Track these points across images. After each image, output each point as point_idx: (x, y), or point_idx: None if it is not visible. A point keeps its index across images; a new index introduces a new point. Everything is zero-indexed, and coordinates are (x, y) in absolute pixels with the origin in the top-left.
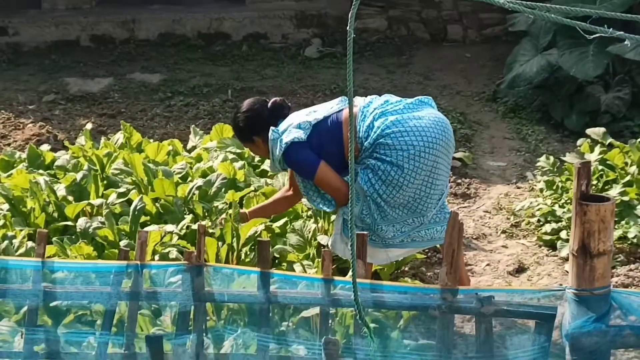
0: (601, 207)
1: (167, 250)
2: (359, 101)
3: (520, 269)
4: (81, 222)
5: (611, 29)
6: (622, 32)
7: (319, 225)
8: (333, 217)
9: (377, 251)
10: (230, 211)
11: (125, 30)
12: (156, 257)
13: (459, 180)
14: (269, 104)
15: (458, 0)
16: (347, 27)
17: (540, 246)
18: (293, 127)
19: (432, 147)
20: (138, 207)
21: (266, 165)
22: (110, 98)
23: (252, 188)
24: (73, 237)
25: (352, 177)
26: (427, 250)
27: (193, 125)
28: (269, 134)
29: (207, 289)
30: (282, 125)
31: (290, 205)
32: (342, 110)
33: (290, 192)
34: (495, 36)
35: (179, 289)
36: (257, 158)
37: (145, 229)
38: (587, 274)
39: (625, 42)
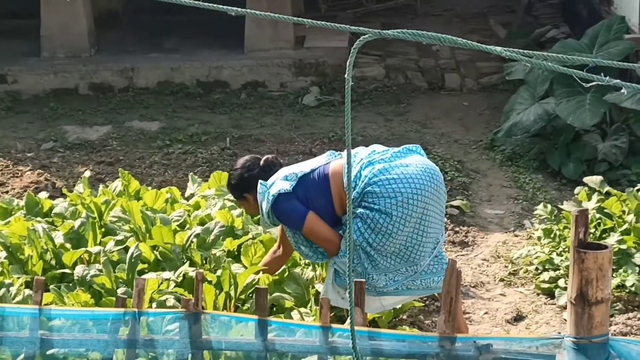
0: (599, 255)
1: (164, 297)
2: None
3: (518, 317)
4: (79, 270)
5: (608, 77)
6: (619, 81)
7: (317, 273)
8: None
9: (370, 299)
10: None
11: (124, 79)
12: (154, 305)
13: (457, 228)
14: (262, 162)
15: (455, 49)
16: (345, 75)
17: (538, 294)
18: (279, 179)
19: (420, 194)
20: (135, 255)
21: None
22: (108, 146)
23: (250, 236)
24: (70, 284)
25: (350, 224)
26: (425, 299)
27: (191, 173)
28: (258, 187)
29: (204, 337)
30: (270, 180)
31: (281, 265)
32: (329, 163)
33: (280, 252)
34: (493, 85)
35: (176, 336)
36: None
37: (143, 276)
38: (586, 322)
39: (622, 91)
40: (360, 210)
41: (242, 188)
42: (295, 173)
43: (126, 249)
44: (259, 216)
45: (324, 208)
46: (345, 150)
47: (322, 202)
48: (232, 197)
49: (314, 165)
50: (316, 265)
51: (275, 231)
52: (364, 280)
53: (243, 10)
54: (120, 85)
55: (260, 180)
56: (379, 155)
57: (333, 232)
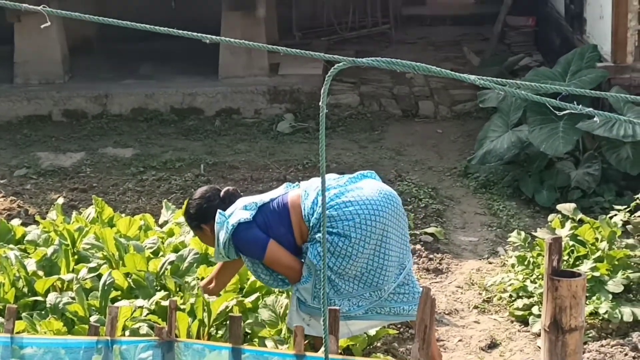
0: (572, 283)
1: (137, 325)
2: (302, 184)
3: (492, 345)
4: (51, 297)
5: (580, 106)
6: (591, 109)
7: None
8: None
9: None
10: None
11: (98, 105)
12: (127, 333)
13: (431, 256)
14: (222, 193)
15: (429, 77)
16: (320, 103)
17: (512, 322)
18: (238, 209)
19: (378, 215)
20: (108, 282)
21: None
22: (82, 172)
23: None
24: (43, 312)
25: (324, 249)
26: (399, 326)
27: (165, 200)
28: (216, 217)
29: None
30: (229, 210)
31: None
32: (287, 193)
33: (211, 286)
34: (467, 112)
35: None
36: None
37: (116, 304)
38: (559, 349)
39: (595, 119)
40: (318, 235)
41: (200, 218)
42: (255, 202)
43: (99, 276)
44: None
45: (284, 237)
46: (302, 183)
47: (282, 231)
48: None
49: (272, 196)
50: (290, 293)
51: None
52: (338, 307)
53: (217, 37)
54: (94, 111)
55: (219, 210)
56: (334, 181)
57: (294, 259)
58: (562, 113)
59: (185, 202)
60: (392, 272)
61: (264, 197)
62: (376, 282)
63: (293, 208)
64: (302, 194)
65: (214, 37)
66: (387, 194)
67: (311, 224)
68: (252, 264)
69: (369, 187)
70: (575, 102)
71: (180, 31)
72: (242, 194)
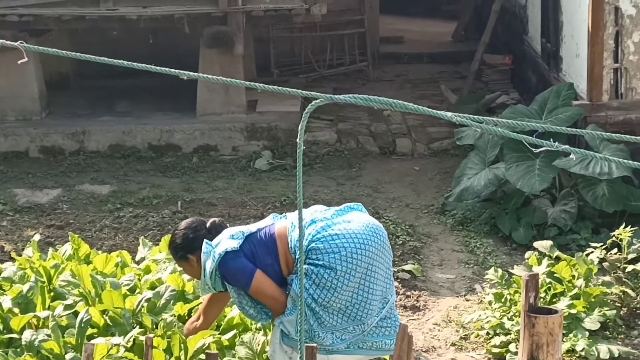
0: (549, 320)
1: None
2: (290, 215)
3: None
4: (27, 335)
5: (557, 143)
6: (567, 147)
7: (268, 337)
8: None
9: (319, 358)
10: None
11: (75, 142)
12: None
13: (408, 293)
14: (208, 224)
15: (407, 114)
16: (297, 140)
17: (489, 359)
18: (225, 239)
19: (364, 249)
20: (84, 319)
21: None
22: (58, 209)
23: (201, 300)
24: (18, 349)
25: (302, 285)
26: None
27: (142, 237)
28: (202, 247)
29: None
30: (215, 240)
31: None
32: (274, 224)
33: (198, 323)
34: (444, 150)
35: None
36: None
37: (93, 341)
38: None
39: (571, 157)
40: (305, 267)
41: (186, 248)
42: (242, 231)
43: (75, 313)
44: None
45: (270, 267)
46: (289, 213)
47: (269, 261)
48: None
49: (259, 226)
50: (267, 330)
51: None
52: (315, 345)
53: (195, 74)
54: (71, 148)
55: (205, 240)
56: (321, 214)
57: (280, 291)
58: (538, 150)
59: (171, 234)
60: (376, 305)
61: (251, 227)
62: (360, 315)
63: (280, 239)
64: (289, 225)
65: (191, 73)
66: (374, 228)
67: (297, 256)
68: (238, 295)
69: (356, 220)
70: (551, 140)
71: (157, 67)
72: (227, 225)
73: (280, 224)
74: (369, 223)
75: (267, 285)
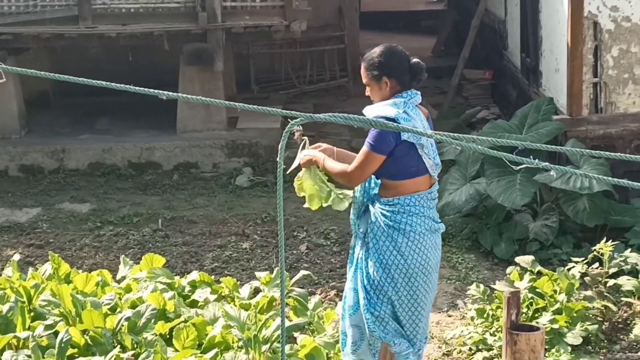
0: (531, 337)
1: None
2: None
3: None
4: (6, 356)
5: (537, 160)
6: (547, 163)
7: (250, 356)
8: (264, 347)
9: None
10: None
11: (55, 160)
12: None
13: None
14: (412, 60)
15: None
16: (277, 158)
17: None
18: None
19: None
20: (64, 339)
21: (196, 295)
22: (38, 228)
23: (182, 319)
24: None
25: (283, 322)
26: None
27: (123, 255)
28: (401, 96)
29: None
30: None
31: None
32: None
33: (347, 168)
34: None
35: None
36: (187, 288)
37: None
38: None
39: (551, 172)
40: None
41: (386, 70)
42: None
43: (56, 333)
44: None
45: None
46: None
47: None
48: (164, 280)
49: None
50: (249, 349)
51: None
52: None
53: (174, 94)
54: (50, 166)
55: (413, 89)
56: None
57: (364, 178)
58: (518, 168)
59: (369, 51)
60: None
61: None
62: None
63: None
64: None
65: (170, 93)
66: None
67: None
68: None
69: None
70: (531, 156)
71: (136, 88)
72: (425, 69)
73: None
74: None
75: (370, 165)
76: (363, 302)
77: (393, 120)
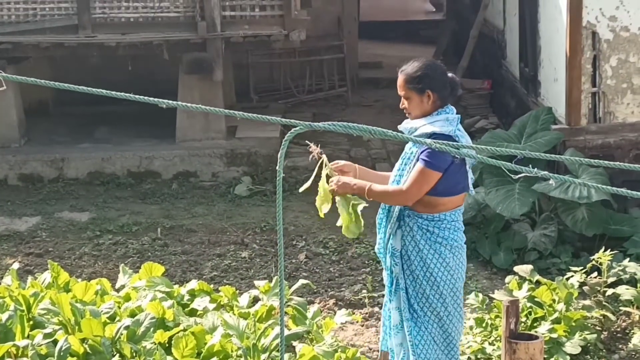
0: (530, 346)
1: None
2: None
3: None
4: None
5: (536, 169)
6: (546, 172)
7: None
8: (263, 356)
9: None
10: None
11: (54, 169)
12: None
13: None
14: (449, 75)
15: (386, 140)
16: (277, 167)
17: None
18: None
19: None
20: (64, 348)
21: (195, 304)
22: (37, 237)
23: (181, 327)
24: None
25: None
26: None
27: (122, 264)
28: (448, 113)
29: None
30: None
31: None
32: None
33: (399, 188)
34: None
35: None
36: (186, 297)
37: None
38: None
39: (550, 182)
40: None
41: (430, 84)
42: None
43: (55, 342)
44: None
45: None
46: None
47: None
48: (163, 289)
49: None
50: (248, 357)
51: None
52: None
53: (174, 102)
54: (50, 175)
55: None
56: None
57: (420, 194)
58: (517, 177)
59: (409, 63)
60: None
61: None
62: None
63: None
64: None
65: (170, 101)
66: None
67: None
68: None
69: None
70: (530, 165)
71: (136, 96)
72: (460, 85)
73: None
74: None
75: (427, 182)
76: (408, 324)
77: (449, 137)
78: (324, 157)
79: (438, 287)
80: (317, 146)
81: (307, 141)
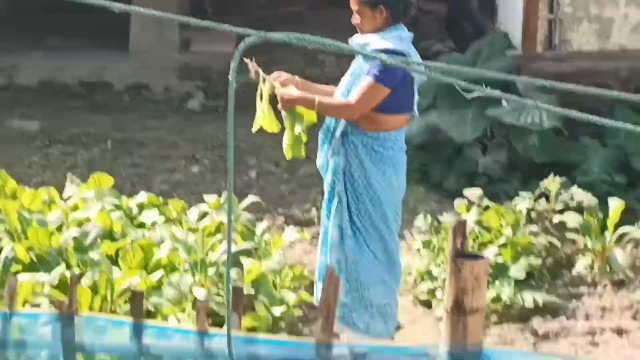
0: (475, 265)
1: (39, 300)
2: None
3: (396, 328)
4: None
5: (488, 87)
6: (498, 91)
7: (196, 279)
8: (210, 270)
9: None
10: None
11: (4, 77)
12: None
13: None
14: None
15: (341, 58)
16: (229, 76)
17: (415, 305)
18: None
19: None
20: (9, 257)
21: (144, 217)
22: None
23: (128, 240)
24: None
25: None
26: (303, 307)
27: (70, 174)
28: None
29: (78, 339)
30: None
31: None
32: None
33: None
34: None
35: (49, 338)
36: (135, 210)
37: (18, 277)
38: (461, 330)
39: (503, 104)
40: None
41: (386, 0)
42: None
43: (0, 249)
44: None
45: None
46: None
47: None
48: (111, 200)
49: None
50: (195, 272)
51: None
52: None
53: (127, 6)
54: None
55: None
56: None
57: (372, 112)
58: (471, 96)
59: None
60: None
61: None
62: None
63: None
64: None
65: (124, 6)
66: None
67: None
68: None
69: None
70: (483, 84)
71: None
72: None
73: None
74: None
75: (373, 98)
76: (350, 242)
77: (402, 54)
78: (261, 73)
79: (381, 205)
80: (257, 64)
81: (244, 58)
